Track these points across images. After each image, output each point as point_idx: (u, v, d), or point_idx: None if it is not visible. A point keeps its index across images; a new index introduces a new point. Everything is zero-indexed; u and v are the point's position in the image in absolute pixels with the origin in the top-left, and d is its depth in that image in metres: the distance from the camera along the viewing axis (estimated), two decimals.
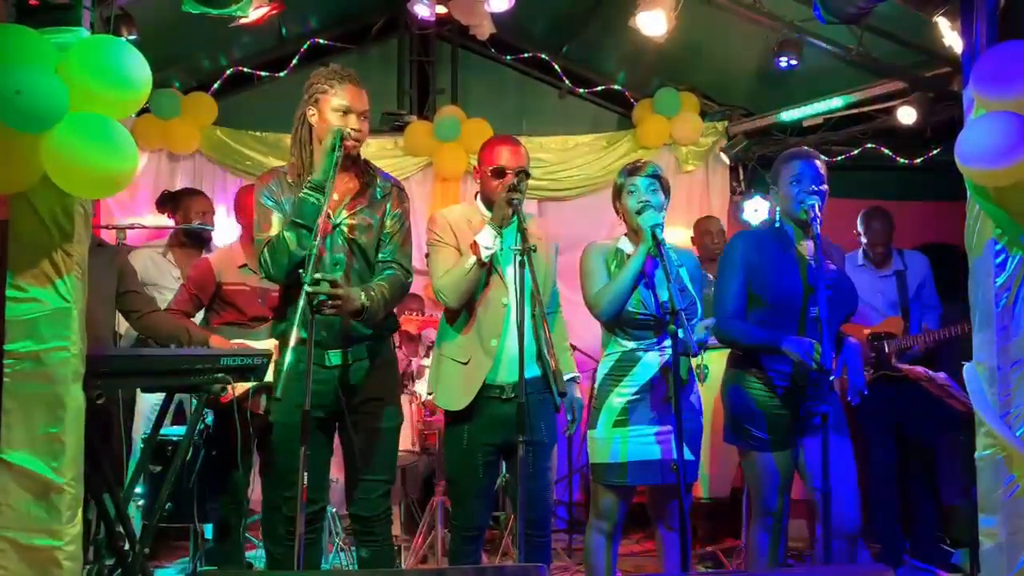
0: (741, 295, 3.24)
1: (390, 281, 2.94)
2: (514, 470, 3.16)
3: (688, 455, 3.05)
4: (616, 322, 3.13)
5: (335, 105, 2.89)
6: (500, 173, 3.12)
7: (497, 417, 3.11)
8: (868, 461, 4.65)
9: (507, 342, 3.10)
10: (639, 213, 3.10)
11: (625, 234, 3.27)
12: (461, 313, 3.16)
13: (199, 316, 4.02)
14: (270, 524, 3.00)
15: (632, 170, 3.21)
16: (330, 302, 2.68)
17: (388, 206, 3.02)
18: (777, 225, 3.33)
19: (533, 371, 3.12)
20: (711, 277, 4.83)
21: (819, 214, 3.10)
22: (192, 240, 4.81)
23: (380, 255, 2.99)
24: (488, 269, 3.10)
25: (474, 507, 3.18)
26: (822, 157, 3.32)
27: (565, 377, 3.14)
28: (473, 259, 3.02)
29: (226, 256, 3.99)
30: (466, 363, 3.13)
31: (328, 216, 2.89)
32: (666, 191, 3.21)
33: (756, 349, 3.21)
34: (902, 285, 4.68)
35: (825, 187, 3.20)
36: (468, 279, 3.05)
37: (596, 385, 3.23)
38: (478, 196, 3.26)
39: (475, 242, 3.03)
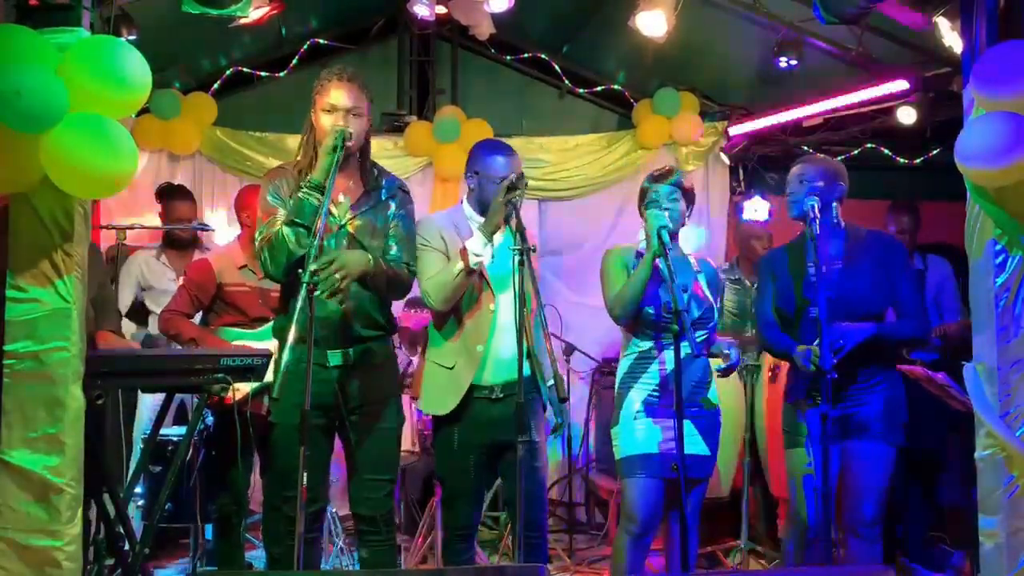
0: (771, 305, 3.38)
1: (394, 268, 2.97)
2: (505, 470, 3.21)
3: (704, 450, 3.20)
4: (635, 323, 3.20)
5: (323, 105, 2.92)
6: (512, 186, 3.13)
7: (486, 418, 3.13)
8: None
9: (493, 345, 3.12)
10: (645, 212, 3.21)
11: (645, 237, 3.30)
12: (449, 319, 3.17)
13: (197, 318, 4.02)
14: (270, 524, 3.00)
15: (659, 176, 3.29)
16: (336, 283, 2.70)
17: (393, 207, 3.03)
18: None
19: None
20: (749, 284, 4.93)
21: (817, 214, 3.11)
22: (175, 242, 4.81)
23: (386, 256, 2.99)
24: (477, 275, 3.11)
25: (465, 507, 3.20)
26: (825, 159, 3.35)
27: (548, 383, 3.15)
28: (461, 265, 3.02)
29: (226, 256, 3.97)
30: (451, 367, 3.14)
31: (331, 215, 2.90)
32: (689, 200, 3.30)
33: (779, 356, 3.43)
34: (920, 284, 4.66)
35: (814, 185, 3.24)
36: (455, 284, 3.05)
37: (616, 385, 3.29)
38: (465, 200, 3.27)
39: (464, 248, 3.03)
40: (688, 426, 3.07)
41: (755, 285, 4.28)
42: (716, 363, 3.24)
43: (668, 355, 3.15)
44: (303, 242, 2.78)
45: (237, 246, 4.01)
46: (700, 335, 3.17)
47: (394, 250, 3.01)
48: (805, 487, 3.21)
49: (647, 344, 3.21)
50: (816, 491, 3.10)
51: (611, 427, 3.28)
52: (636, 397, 3.19)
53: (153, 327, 4.80)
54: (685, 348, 3.02)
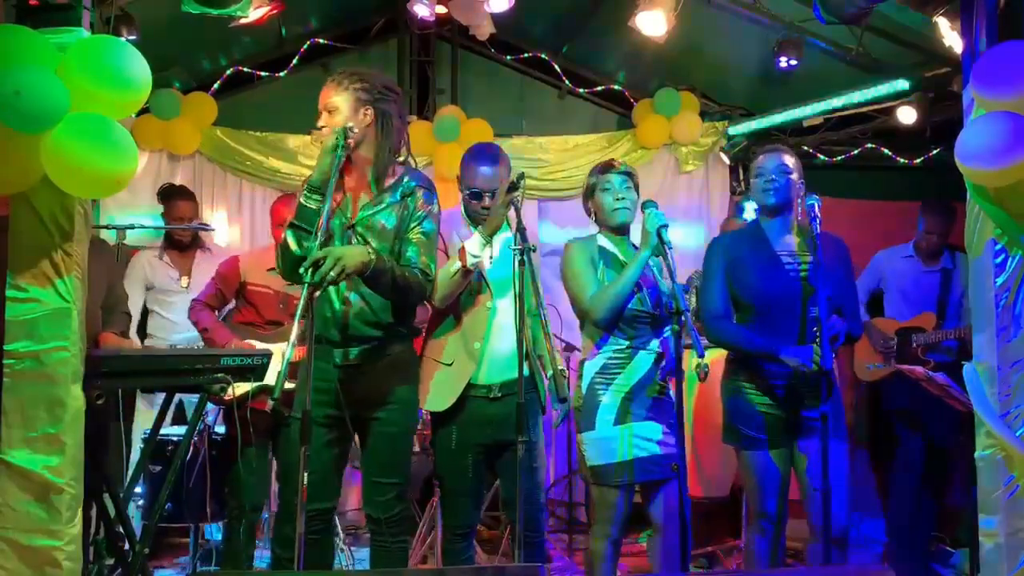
0: (724, 295, 3.27)
1: (407, 270, 2.90)
2: (502, 470, 3.21)
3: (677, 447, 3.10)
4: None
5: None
6: (477, 196, 3.19)
7: (484, 417, 3.13)
8: (896, 459, 4.60)
9: (490, 343, 3.13)
10: (615, 211, 3.20)
11: (600, 231, 3.28)
12: (447, 316, 3.17)
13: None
14: (283, 529, 2.97)
15: (604, 168, 3.28)
16: (330, 274, 2.63)
17: (411, 207, 2.98)
18: (754, 220, 3.40)
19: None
20: None
21: (818, 214, 3.09)
22: (176, 242, 4.81)
23: (401, 259, 2.94)
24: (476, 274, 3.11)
25: (464, 506, 3.20)
26: (789, 151, 3.32)
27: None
28: (458, 265, 3.02)
29: (258, 257, 4.04)
30: (450, 365, 3.14)
31: (342, 215, 2.91)
32: (637, 189, 3.28)
33: (752, 355, 3.21)
34: (946, 283, 4.61)
35: (790, 177, 3.22)
36: (452, 283, 3.05)
37: (584, 385, 3.16)
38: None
39: (463, 248, 3.03)
40: (659, 427, 3.07)
41: None
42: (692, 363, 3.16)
43: (643, 354, 3.11)
44: (304, 244, 2.77)
45: (272, 249, 4.05)
46: (667, 330, 3.15)
47: (409, 253, 2.95)
48: (768, 483, 3.18)
49: (623, 343, 3.11)
50: (816, 491, 3.09)
51: (582, 431, 3.13)
52: (611, 400, 3.08)
53: (153, 327, 4.83)
54: (653, 346, 3.08)
